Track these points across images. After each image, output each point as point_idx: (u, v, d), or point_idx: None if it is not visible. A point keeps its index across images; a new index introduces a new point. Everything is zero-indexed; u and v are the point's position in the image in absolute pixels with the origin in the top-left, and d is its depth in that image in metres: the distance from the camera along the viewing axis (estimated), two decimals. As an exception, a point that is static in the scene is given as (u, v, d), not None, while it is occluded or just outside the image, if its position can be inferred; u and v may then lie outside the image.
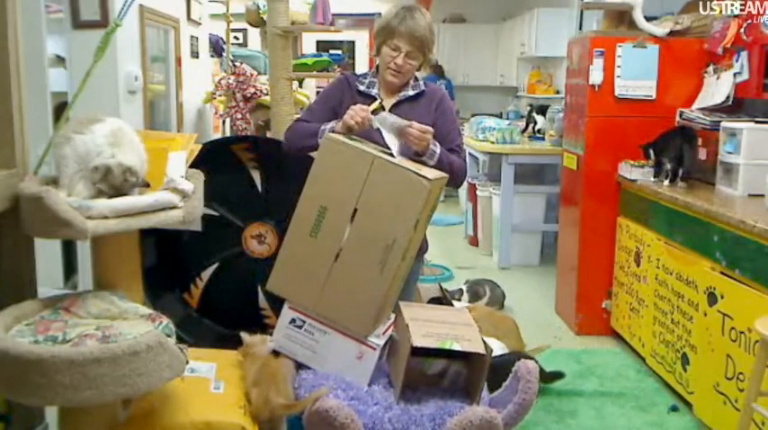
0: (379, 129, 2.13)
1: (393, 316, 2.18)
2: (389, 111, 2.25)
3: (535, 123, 6.33)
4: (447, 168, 2.20)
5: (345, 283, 2.05)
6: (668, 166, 3.43)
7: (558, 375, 3.20)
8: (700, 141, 3.49)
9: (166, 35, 4.41)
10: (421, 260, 2.49)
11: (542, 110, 6.40)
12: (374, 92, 2.33)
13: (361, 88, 2.34)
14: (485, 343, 1.97)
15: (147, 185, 1.94)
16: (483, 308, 3.61)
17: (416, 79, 2.38)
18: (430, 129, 2.15)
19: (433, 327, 1.99)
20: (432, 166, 2.17)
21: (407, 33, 2.22)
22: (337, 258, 2.05)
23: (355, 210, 2.03)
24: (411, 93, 2.34)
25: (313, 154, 2.19)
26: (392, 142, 2.10)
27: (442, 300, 3.47)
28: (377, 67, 2.37)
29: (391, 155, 2.06)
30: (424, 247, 2.44)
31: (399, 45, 2.23)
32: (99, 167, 1.84)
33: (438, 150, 2.20)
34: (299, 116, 2.46)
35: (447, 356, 2.05)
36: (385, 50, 2.27)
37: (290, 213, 2.12)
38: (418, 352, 1.92)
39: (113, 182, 1.84)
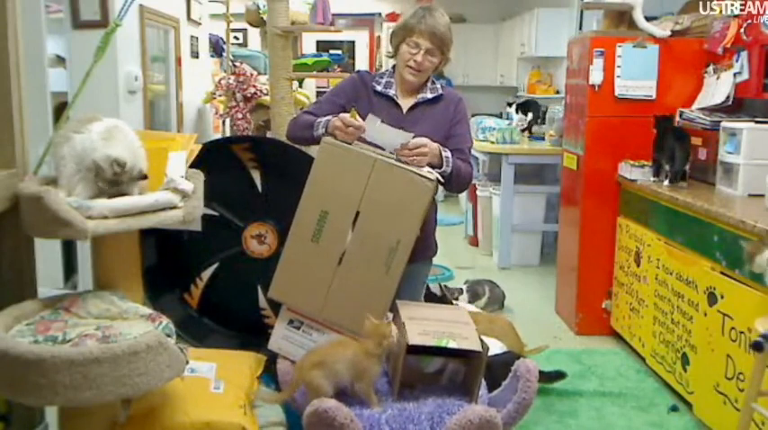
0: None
1: (390, 315, 2.18)
2: (406, 112, 2.26)
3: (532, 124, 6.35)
4: (455, 172, 2.19)
5: (351, 287, 2.04)
6: (666, 167, 3.44)
7: (560, 375, 3.19)
8: (700, 140, 3.49)
9: (166, 35, 4.42)
10: (429, 263, 2.48)
11: (526, 106, 6.42)
12: (392, 92, 2.29)
13: (378, 88, 2.30)
14: (481, 341, 1.97)
15: (145, 177, 1.93)
16: (476, 313, 3.60)
17: (434, 82, 2.35)
18: (424, 141, 2.07)
19: (430, 326, 1.99)
20: (450, 172, 2.16)
21: (427, 31, 2.20)
22: (340, 262, 2.05)
23: (357, 213, 2.03)
24: (429, 96, 2.30)
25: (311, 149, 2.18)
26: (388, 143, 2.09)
27: (443, 299, 3.46)
28: (393, 66, 2.35)
29: (390, 156, 2.05)
30: (432, 250, 2.44)
31: (419, 42, 2.21)
32: (90, 166, 1.84)
33: (450, 155, 2.18)
34: (306, 109, 2.45)
35: (445, 354, 2.05)
36: (404, 48, 2.24)
37: (290, 213, 2.12)
38: (415, 350, 1.92)
39: (105, 176, 1.84)
